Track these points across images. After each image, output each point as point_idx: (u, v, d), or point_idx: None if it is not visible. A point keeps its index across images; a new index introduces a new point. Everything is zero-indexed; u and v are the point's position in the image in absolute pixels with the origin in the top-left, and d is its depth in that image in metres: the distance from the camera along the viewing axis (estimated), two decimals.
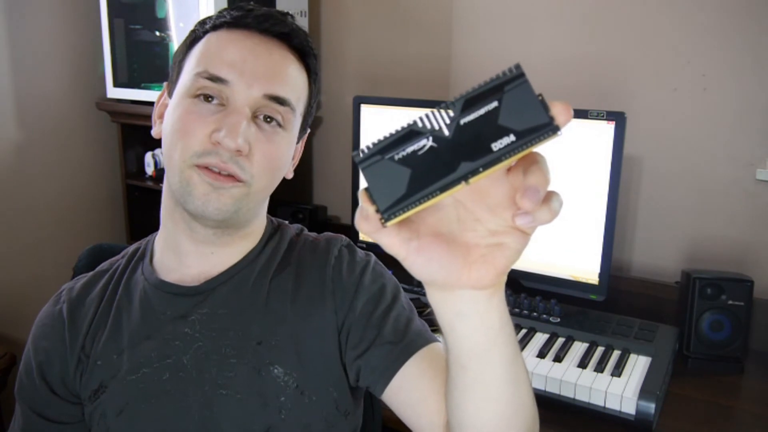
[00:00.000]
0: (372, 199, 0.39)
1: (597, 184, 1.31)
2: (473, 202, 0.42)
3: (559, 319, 1.33)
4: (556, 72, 1.56)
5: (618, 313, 1.38)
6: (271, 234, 0.84)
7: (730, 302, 1.26)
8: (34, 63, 1.85)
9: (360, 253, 0.83)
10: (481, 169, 0.37)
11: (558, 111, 0.36)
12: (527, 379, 0.56)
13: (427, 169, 0.38)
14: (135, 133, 1.95)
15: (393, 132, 0.38)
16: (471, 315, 0.47)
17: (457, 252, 0.43)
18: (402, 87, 1.81)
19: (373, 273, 0.79)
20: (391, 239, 0.42)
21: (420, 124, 0.38)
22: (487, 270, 0.43)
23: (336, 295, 0.77)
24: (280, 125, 0.74)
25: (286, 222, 0.88)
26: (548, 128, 0.37)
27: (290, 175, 0.82)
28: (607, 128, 1.29)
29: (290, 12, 0.79)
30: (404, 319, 0.76)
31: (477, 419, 0.55)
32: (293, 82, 0.75)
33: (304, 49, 0.77)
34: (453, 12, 1.72)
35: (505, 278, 0.46)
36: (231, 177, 0.70)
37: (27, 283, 1.87)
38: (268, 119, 0.73)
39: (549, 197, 0.39)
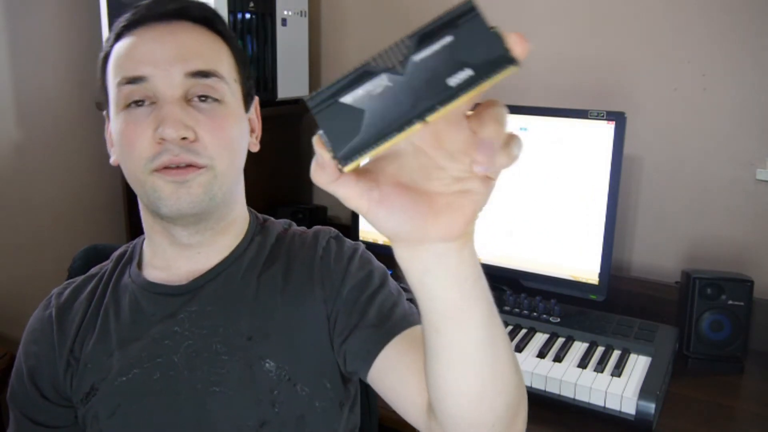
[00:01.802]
0: (327, 146, 0.37)
1: (597, 184, 1.31)
2: (433, 148, 0.40)
3: (559, 319, 1.33)
4: (556, 72, 1.56)
5: (618, 313, 1.38)
6: (257, 229, 0.84)
7: (730, 302, 1.26)
8: (34, 63, 1.85)
9: (348, 243, 0.83)
10: (438, 107, 0.35)
11: (513, 41, 0.35)
12: (506, 341, 0.53)
13: (383, 110, 0.36)
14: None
15: (346, 73, 0.36)
16: (441, 270, 0.44)
17: (421, 201, 0.40)
18: None
19: (360, 260, 0.79)
20: (350, 190, 0.39)
21: (373, 64, 0.36)
22: (455, 218, 0.41)
23: (324, 284, 0.77)
24: (216, 99, 0.72)
25: (272, 218, 0.88)
26: (505, 60, 0.35)
27: (255, 148, 0.81)
28: (607, 128, 1.29)
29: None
30: (390, 303, 0.75)
31: (455, 387, 0.52)
32: (208, 53, 0.73)
33: (207, 17, 0.75)
34: None
35: (473, 228, 0.44)
36: (190, 167, 0.70)
37: (27, 283, 1.87)
38: (203, 98, 0.72)
39: (508, 141, 0.37)
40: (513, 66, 0.35)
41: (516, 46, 0.35)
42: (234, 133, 0.74)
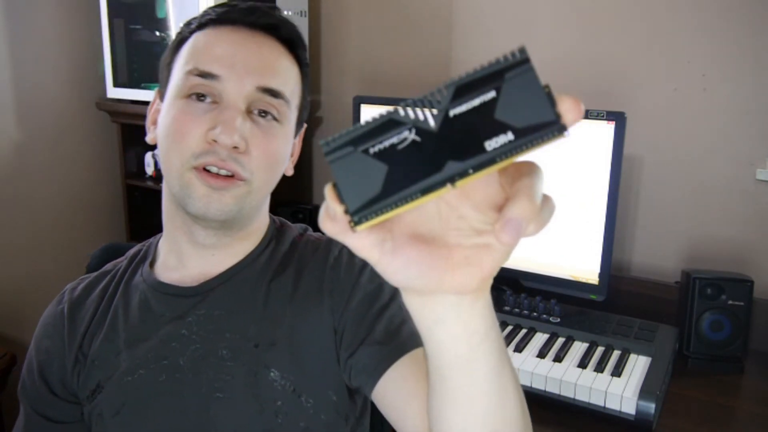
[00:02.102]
0: (340, 198, 0.33)
1: (597, 184, 1.31)
2: (458, 199, 0.37)
3: (559, 319, 1.33)
4: (556, 72, 1.55)
5: (618, 313, 1.38)
6: (273, 235, 0.83)
7: (730, 302, 1.26)
8: (34, 63, 1.85)
9: None
10: (471, 171, 0.32)
11: (567, 107, 0.31)
12: (516, 388, 0.50)
13: (408, 167, 0.32)
14: (135, 133, 1.95)
15: (369, 120, 0.32)
16: (452, 322, 0.41)
17: (438, 254, 0.37)
18: (402, 87, 1.81)
19: (371, 272, 0.77)
20: (361, 242, 0.37)
21: (402, 113, 0.32)
22: (472, 274, 0.37)
23: (333, 295, 0.76)
24: (275, 119, 0.72)
25: (289, 223, 0.87)
26: (553, 127, 0.31)
27: (290, 172, 0.81)
28: (607, 128, 1.29)
29: (287, 11, 0.78)
30: (398, 320, 0.73)
31: (458, 430, 0.49)
32: (285, 74, 0.74)
33: (293, 40, 0.76)
34: (453, 12, 1.72)
35: (491, 281, 0.40)
36: (231, 177, 0.70)
37: (26, 283, 1.87)
38: (263, 113, 0.72)
39: (540, 209, 0.34)
40: (561, 135, 0.31)
41: (569, 112, 0.31)
42: (280, 155, 0.74)
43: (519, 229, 0.33)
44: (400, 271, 0.38)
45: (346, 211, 0.33)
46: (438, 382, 0.47)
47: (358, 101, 1.60)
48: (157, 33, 1.79)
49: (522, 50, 0.31)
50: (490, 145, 0.31)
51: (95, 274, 0.84)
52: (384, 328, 0.72)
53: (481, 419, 0.48)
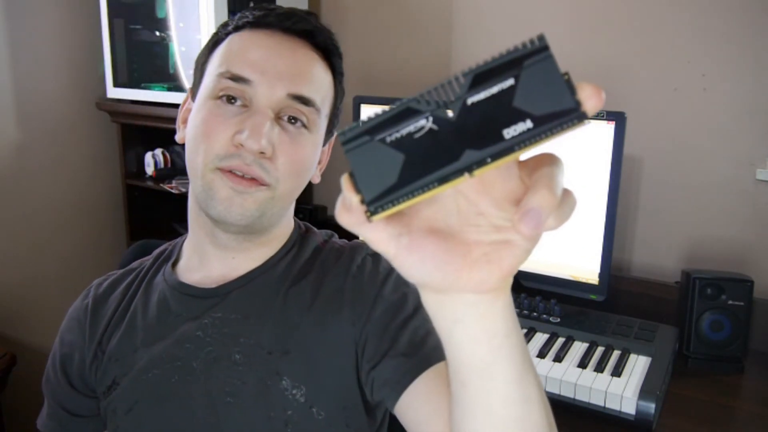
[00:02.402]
0: (357, 188, 0.33)
1: (597, 184, 1.31)
2: (477, 193, 0.36)
3: (559, 319, 1.33)
4: None
5: (618, 313, 1.38)
6: (296, 240, 0.81)
7: (730, 302, 1.26)
8: (34, 63, 1.85)
9: (384, 260, 0.77)
10: (489, 160, 0.31)
11: (587, 94, 0.31)
12: (540, 398, 0.47)
13: (425, 156, 0.32)
14: (135, 133, 1.95)
15: (386, 109, 0.32)
16: (471, 322, 0.40)
17: (456, 250, 0.37)
18: (402, 87, 1.81)
19: (395, 282, 0.75)
20: (378, 234, 0.36)
21: (419, 102, 0.32)
22: (491, 271, 0.37)
23: (355, 305, 0.74)
24: (305, 126, 0.71)
25: (315, 229, 0.85)
26: (573, 115, 0.30)
27: (317, 180, 0.79)
28: (607, 128, 1.29)
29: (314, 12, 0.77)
30: (423, 331, 0.70)
31: None
32: (318, 81, 0.73)
33: (328, 47, 0.75)
34: (453, 12, 1.72)
35: (511, 280, 0.40)
36: (254, 180, 0.69)
37: (27, 283, 1.87)
38: (293, 120, 0.71)
39: (560, 202, 0.33)
40: (581, 123, 0.31)
41: (590, 99, 0.31)
42: (307, 163, 0.74)
43: (539, 220, 0.32)
44: (417, 266, 0.37)
45: (362, 201, 0.33)
46: (458, 388, 0.46)
47: (358, 101, 1.60)
48: (157, 33, 1.79)
49: (541, 38, 0.31)
50: (509, 133, 0.31)
51: (122, 270, 0.85)
52: (408, 339, 0.70)
53: (502, 428, 0.45)
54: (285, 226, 0.81)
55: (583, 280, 1.36)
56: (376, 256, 0.79)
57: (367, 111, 1.59)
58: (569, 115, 0.30)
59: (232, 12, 1.57)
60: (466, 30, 1.71)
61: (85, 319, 0.80)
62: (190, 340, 0.75)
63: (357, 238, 0.41)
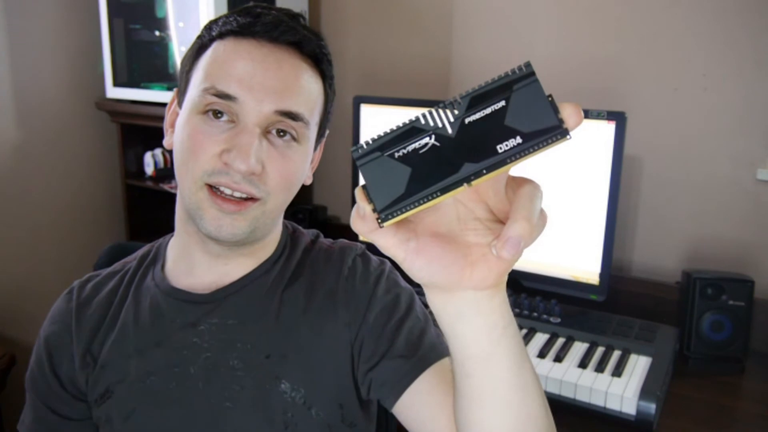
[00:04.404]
0: (369, 198, 0.37)
1: (597, 184, 1.31)
2: (473, 201, 0.42)
3: (559, 320, 1.33)
4: (556, 72, 1.55)
5: (618, 313, 1.38)
6: (286, 242, 0.82)
7: (731, 302, 1.26)
8: (34, 63, 1.84)
9: (374, 261, 0.80)
10: (484, 171, 0.36)
11: (568, 113, 0.35)
12: (537, 385, 0.53)
13: (429, 169, 0.36)
14: (135, 132, 1.95)
15: (394, 128, 0.37)
16: (473, 316, 0.45)
17: (458, 252, 0.42)
18: (402, 87, 1.81)
19: (387, 282, 0.77)
20: (388, 240, 0.41)
21: (422, 121, 0.37)
22: (489, 269, 0.41)
23: (349, 307, 0.75)
24: (294, 138, 0.71)
25: (301, 228, 0.86)
26: (557, 131, 0.35)
27: (309, 181, 0.79)
28: (607, 128, 1.29)
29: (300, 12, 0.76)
30: (418, 330, 0.73)
31: (485, 428, 0.52)
32: (306, 93, 0.71)
33: (316, 55, 0.73)
34: (453, 12, 1.72)
35: (506, 277, 0.44)
36: (244, 201, 0.68)
37: (27, 284, 1.87)
38: (281, 133, 0.70)
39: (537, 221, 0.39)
40: (564, 138, 0.35)
41: (570, 117, 0.35)
42: (297, 175, 0.73)
43: (518, 247, 0.37)
44: (424, 268, 0.42)
45: (374, 210, 0.38)
46: (463, 379, 0.50)
47: (358, 101, 1.60)
48: (157, 33, 1.79)
49: (527, 65, 0.36)
50: (501, 147, 0.36)
51: (104, 273, 0.83)
52: (405, 340, 0.72)
53: (506, 414, 0.50)
54: (276, 232, 0.81)
55: (584, 281, 1.36)
56: (365, 257, 0.80)
57: (367, 110, 1.59)
58: (554, 132, 0.35)
59: None
60: (465, 30, 1.71)
61: (70, 321, 0.78)
62: (187, 346, 0.74)
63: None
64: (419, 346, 0.71)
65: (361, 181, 0.38)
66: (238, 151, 0.66)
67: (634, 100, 1.48)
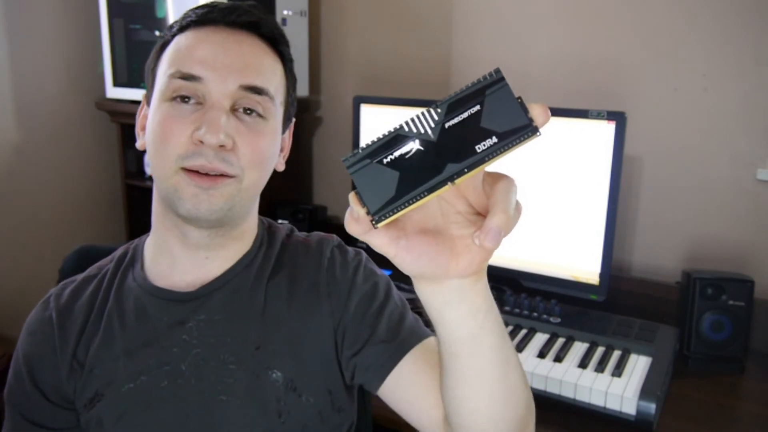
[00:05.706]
0: (362, 202, 0.41)
1: (597, 184, 1.31)
2: (455, 197, 0.46)
3: (559, 320, 1.33)
4: (557, 72, 1.55)
5: (618, 313, 1.37)
6: (264, 236, 0.83)
7: (731, 302, 1.26)
8: (33, 63, 1.84)
9: (350, 252, 0.83)
10: (466, 170, 0.40)
11: (537, 113, 0.39)
12: (517, 360, 0.59)
13: (415, 172, 0.40)
14: (134, 133, 1.95)
15: (380, 136, 0.40)
16: (458, 302, 0.50)
17: (444, 245, 0.46)
18: (402, 87, 1.81)
19: (365, 271, 0.80)
20: (381, 239, 0.44)
21: (406, 129, 0.40)
22: (473, 258, 0.46)
23: (331, 297, 0.78)
24: (261, 116, 0.72)
25: (275, 222, 0.88)
26: (528, 129, 0.39)
27: (281, 168, 0.81)
28: (607, 128, 1.29)
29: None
30: (397, 316, 0.77)
31: (472, 403, 0.58)
32: (268, 71, 0.74)
33: (275, 37, 0.76)
34: (453, 12, 1.72)
35: (486, 265, 0.49)
36: (219, 176, 0.70)
37: (26, 284, 1.87)
38: (248, 111, 0.72)
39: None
40: (534, 135, 0.39)
41: (539, 116, 0.39)
42: (269, 151, 0.75)
43: (499, 237, 0.42)
44: (414, 262, 0.46)
45: (368, 213, 0.41)
46: (450, 359, 0.55)
47: (358, 101, 1.60)
48: (157, 33, 1.79)
49: (497, 71, 0.39)
50: (480, 147, 0.40)
51: (80, 278, 0.82)
52: (386, 326, 0.76)
53: (491, 388, 0.56)
54: (252, 220, 0.81)
55: (584, 281, 1.36)
56: (341, 248, 0.83)
57: (367, 110, 1.59)
58: (525, 130, 0.39)
59: None
60: (465, 30, 1.71)
61: (52, 331, 0.77)
62: (177, 344, 0.75)
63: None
64: (399, 330, 0.75)
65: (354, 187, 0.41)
66: (207, 126, 0.68)
67: (634, 100, 1.48)
